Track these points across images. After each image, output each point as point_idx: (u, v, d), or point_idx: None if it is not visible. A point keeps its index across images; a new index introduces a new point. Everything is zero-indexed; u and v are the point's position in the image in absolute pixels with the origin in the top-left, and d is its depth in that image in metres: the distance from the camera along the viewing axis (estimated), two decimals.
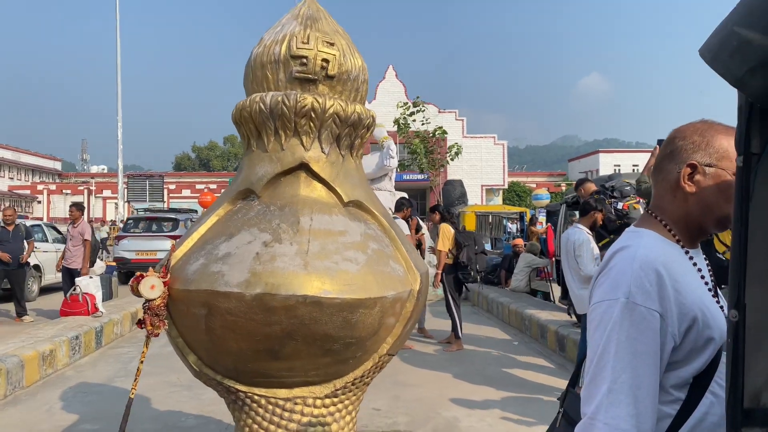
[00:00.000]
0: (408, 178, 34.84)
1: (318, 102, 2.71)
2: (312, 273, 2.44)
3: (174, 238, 13.33)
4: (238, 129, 2.93)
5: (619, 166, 53.01)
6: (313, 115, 2.72)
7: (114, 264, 13.19)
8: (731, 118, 1.01)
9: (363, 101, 3.01)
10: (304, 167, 2.75)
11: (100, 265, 9.39)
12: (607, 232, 5.75)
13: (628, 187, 5.32)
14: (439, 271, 7.08)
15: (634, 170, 53.50)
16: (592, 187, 6.17)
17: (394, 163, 10.88)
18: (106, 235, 26.02)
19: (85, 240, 9.13)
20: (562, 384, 5.56)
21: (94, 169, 59.22)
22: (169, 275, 2.56)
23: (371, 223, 2.83)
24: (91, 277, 8.32)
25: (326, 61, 2.77)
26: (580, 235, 5.04)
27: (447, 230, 6.99)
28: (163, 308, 2.53)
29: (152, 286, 2.49)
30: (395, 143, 11.25)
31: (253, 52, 2.88)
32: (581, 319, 5.26)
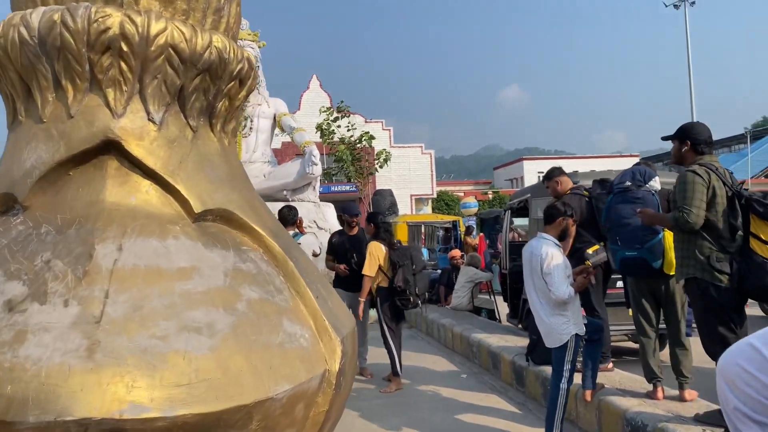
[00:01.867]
0: (336, 189, 33.64)
1: (133, 24, 1.40)
2: (106, 367, 1.13)
3: None
4: None
5: (542, 172, 53.27)
6: (124, 48, 1.41)
7: None
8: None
9: (232, 34, 1.72)
10: (112, 148, 1.44)
11: None
12: (597, 237, 4.70)
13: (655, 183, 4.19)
14: (362, 299, 5.79)
15: None
16: (569, 183, 5.05)
17: (317, 170, 9.60)
18: None
19: None
20: None
21: None
22: None
23: (249, 251, 1.54)
24: None
25: None
26: (547, 248, 3.93)
27: (376, 250, 5.69)
28: None
29: None
30: (319, 151, 10.05)
31: None
32: (551, 353, 4.16)
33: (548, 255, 3.91)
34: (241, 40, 10.08)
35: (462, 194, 49.24)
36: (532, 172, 53.80)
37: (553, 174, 5.10)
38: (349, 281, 5.94)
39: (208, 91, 1.52)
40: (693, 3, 30.55)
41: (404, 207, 40.88)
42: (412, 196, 42.31)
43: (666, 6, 30.72)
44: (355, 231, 6.16)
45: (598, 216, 4.70)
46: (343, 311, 1.67)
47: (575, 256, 4.65)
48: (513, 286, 7.04)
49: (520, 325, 6.71)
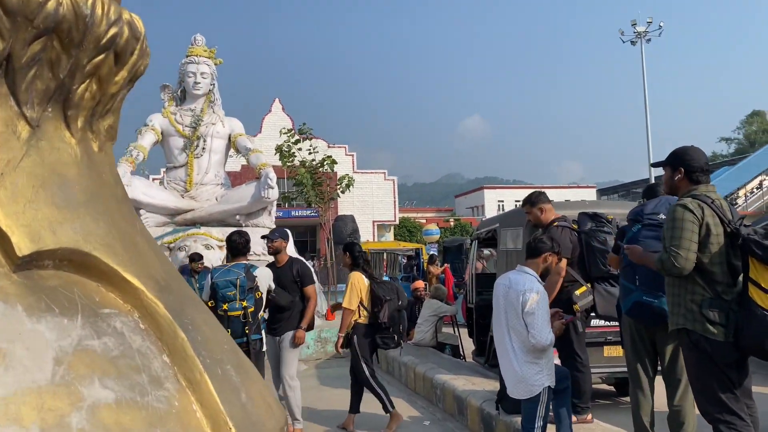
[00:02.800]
0: (296, 214, 32.90)
1: None
2: None
3: None
4: None
5: (502, 201, 54.49)
6: None
7: None
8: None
9: None
10: None
11: None
12: (585, 277, 4.23)
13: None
14: (341, 335, 5.16)
15: (516, 205, 55.21)
16: (553, 212, 4.54)
17: (273, 194, 9.02)
18: None
19: None
20: None
21: None
22: None
23: (114, 316, 0.97)
24: None
25: None
26: (531, 284, 3.44)
27: (359, 281, 5.06)
28: None
29: None
30: (276, 174, 9.49)
31: None
32: (519, 404, 3.63)
33: (532, 293, 3.42)
34: (196, 56, 9.51)
35: (424, 221, 49.20)
36: (493, 200, 54.32)
37: (538, 200, 4.57)
38: (274, 322, 4.95)
39: (56, 64, 0.98)
40: (649, 40, 31.42)
41: (366, 233, 40.44)
42: (374, 222, 41.95)
43: (623, 42, 31.55)
44: (284, 260, 4.99)
45: (587, 254, 4.25)
46: (266, 406, 1.11)
47: (561, 298, 4.19)
48: (479, 322, 6.54)
49: (486, 364, 6.19)
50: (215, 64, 9.89)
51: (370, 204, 41.44)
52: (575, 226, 4.40)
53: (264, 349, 4.74)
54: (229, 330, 4.17)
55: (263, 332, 4.75)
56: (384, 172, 42.87)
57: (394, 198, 42.41)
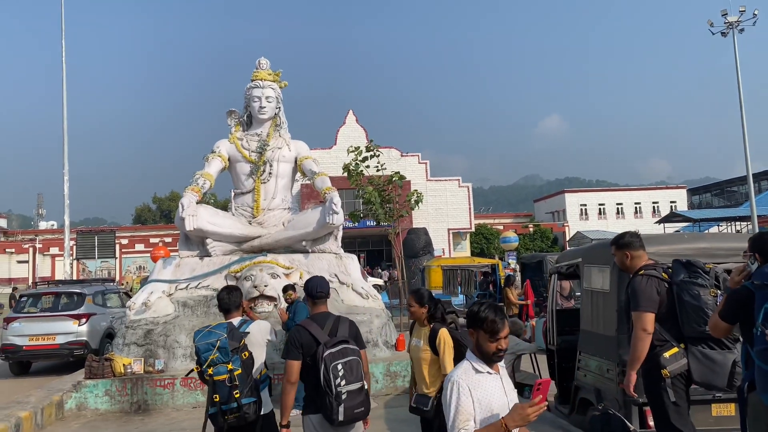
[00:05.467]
0: (370, 224, 32.82)
1: None
2: None
3: (78, 317, 10.73)
4: None
5: (585, 205, 52.20)
6: None
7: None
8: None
9: None
10: None
11: None
12: (677, 336, 3.54)
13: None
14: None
15: (600, 210, 52.78)
16: (643, 258, 3.80)
17: (338, 219, 8.68)
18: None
19: None
20: None
21: (42, 225, 55.56)
22: None
23: None
24: None
25: None
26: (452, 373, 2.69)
27: (450, 340, 4.18)
28: None
29: None
30: (341, 193, 9.20)
31: None
32: None
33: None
34: (261, 80, 9.37)
35: (501, 228, 48.01)
36: (574, 204, 52.09)
37: (627, 245, 3.91)
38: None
39: None
40: (742, 30, 28.91)
41: (441, 241, 39.92)
42: (449, 230, 41.35)
43: (713, 34, 29.19)
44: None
45: (679, 310, 3.56)
46: None
47: (650, 359, 3.52)
48: (562, 365, 5.85)
49: (571, 416, 5.49)
50: (280, 87, 9.71)
51: (444, 212, 40.84)
52: (666, 276, 3.71)
53: (283, 422, 3.76)
54: (217, 396, 3.85)
55: (263, 394, 4.21)
56: (458, 179, 42.11)
57: (469, 205, 41.55)
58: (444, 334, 4.19)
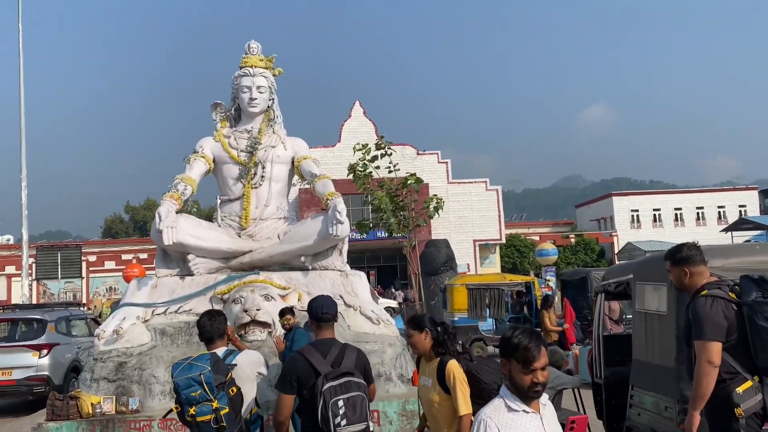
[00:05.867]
0: (381, 235, 32.86)
1: None
2: None
3: (38, 348, 10.83)
4: None
5: (636, 211, 51.90)
6: None
7: None
8: None
9: None
10: None
11: None
12: (751, 368, 3.52)
13: None
14: None
15: (654, 216, 52.40)
16: (705, 275, 3.82)
17: (343, 230, 8.68)
18: None
19: None
20: None
21: None
22: None
23: None
24: None
25: None
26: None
27: (461, 373, 4.11)
28: None
29: None
30: (347, 200, 9.23)
31: None
32: None
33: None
34: (251, 67, 9.45)
35: (537, 238, 47.81)
36: (624, 210, 51.80)
37: (685, 260, 3.89)
38: None
39: None
40: None
41: (466, 256, 39.83)
42: (475, 241, 41.31)
43: None
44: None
45: (752, 336, 3.52)
46: None
47: (717, 397, 3.49)
48: (611, 403, 5.82)
49: None
50: (274, 75, 9.78)
51: (469, 220, 40.76)
52: (734, 295, 3.68)
53: None
54: None
55: None
56: (485, 181, 42.08)
57: (499, 212, 41.45)
58: (453, 366, 4.06)
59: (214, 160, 9.40)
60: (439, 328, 4.28)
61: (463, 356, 4.32)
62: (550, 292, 16.33)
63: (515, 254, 44.94)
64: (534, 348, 2.55)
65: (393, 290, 37.07)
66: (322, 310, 3.91)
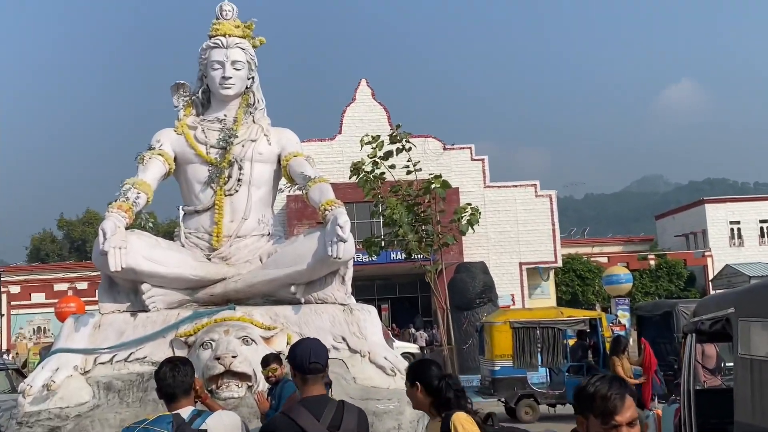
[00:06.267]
0: (396, 257, 32.92)
1: None
2: None
3: None
4: None
5: (737, 223, 51.71)
6: None
7: None
8: None
9: None
10: None
11: None
12: None
13: None
14: None
15: (762, 230, 52.13)
16: None
17: (346, 251, 8.66)
18: None
19: None
20: None
21: None
22: None
23: None
24: None
25: None
26: None
27: (472, 425, 4.23)
28: None
29: None
30: (351, 210, 9.24)
31: None
32: None
33: None
34: (224, 36, 9.56)
35: (605, 260, 47.76)
36: (720, 221, 51.67)
37: None
38: None
39: None
40: None
41: (510, 284, 39.81)
42: (521, 265, 41.29)
43: None
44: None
45: None
46: None
47: None
48: None
49: None
50: (254, 47, 9.89)
51: (513, 236, 40.69)
52: None
53: None
54: None
55: None
56: (535, 185, 42.13)
57: (553, 225, 41.41)
58: (460, 419, 4.15)
59: (175, 159, 9.49)
60: (441, 382, 4.36)
61: (475, 416, 4.36)
62: (622, 332, 16.31)
63: (575, 281, 44.91)
64: (616, 396, 2.62)
65: (412, 330, 37.14)
66: (310, 359, 3.98)
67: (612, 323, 20.89)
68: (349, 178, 14.10)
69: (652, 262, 47.77)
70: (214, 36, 9.63)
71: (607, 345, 14.20)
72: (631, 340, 14.83)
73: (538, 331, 15.55)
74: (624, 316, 27.41)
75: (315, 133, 39.54)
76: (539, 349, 15.48)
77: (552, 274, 43.13)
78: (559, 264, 42.81)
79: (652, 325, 14.81)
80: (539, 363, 15.93)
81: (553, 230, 41.95)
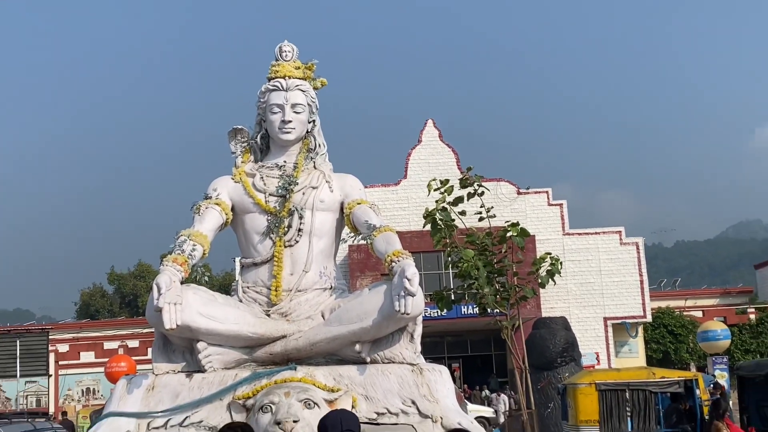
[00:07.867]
0: (467, 311, 32.66)
1: None
2: None
3: None
4: None
5: None
6: None
7: None
8: None
9: None
10: None
11: None
12: None
13: None
14: None
15: None
16: None
17: (416, 305, 8.54)
18: None
19: None
20: None
21: None
22: None
23: None
24: None
25: None
26: None
27: None
28: None
29: None
30: (419, 260, 9.22)
31: None
32: None
33: None
34: (283, 78, 9.68)
35: (700, 314, 46.63)
36: None
37: None
38: None
39: None
40: None
41: (594, 341, 39.20)
42: (606, 320, 40.65)
43: None
44: None
45: None
46: None
47: None
48: None
49: None
50: (315, 88, 10.01)
51: (597, 288, 40.13)
52: None
53: None
54: None
55: None
56: (620, 232, 41.61)
57: (641, 276, 40.74)
58: None
59: (233, 209, 9.61)
60: None
61: None
62: (721, 395, 15.85)
63: (667, 338, 43.92)
64: None
65: (486, 392, 36.66)
66: (342, 428, 3.99)
67: (709, 385, 20.33)
68: (423, 227, 14.08)
69: (752, 316, 46.50)
70: (273, 78, 9.75)
71: (705, 409, 13.83)
72: (731, 404, 14.38)
73: (627, 394, 15.28)
74: (722, 377, 26.70)
75: (379, 177, 39.66)
76: (629, 414, 15.18)
77: (640, 330, 42.30)
78: (649, 319, 42.02)
79: (756, 388, 14.39)
80: (629, 429, 15.63)
81: (641, 281, 41.26)
